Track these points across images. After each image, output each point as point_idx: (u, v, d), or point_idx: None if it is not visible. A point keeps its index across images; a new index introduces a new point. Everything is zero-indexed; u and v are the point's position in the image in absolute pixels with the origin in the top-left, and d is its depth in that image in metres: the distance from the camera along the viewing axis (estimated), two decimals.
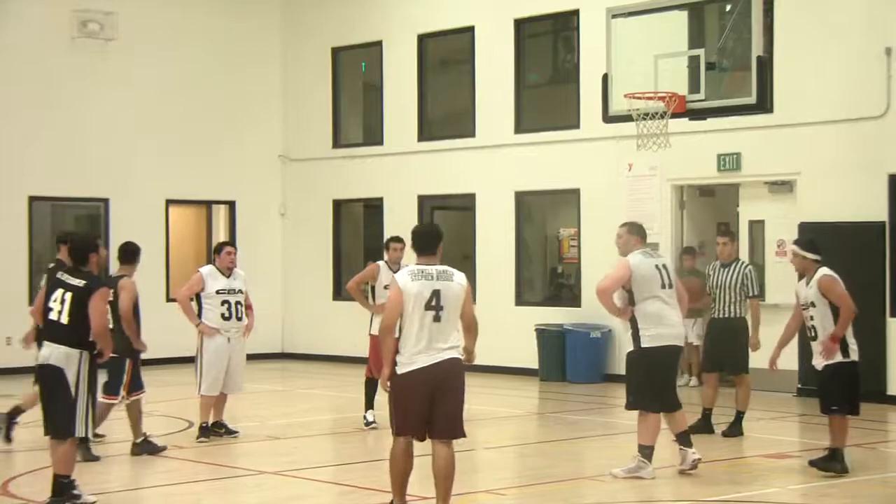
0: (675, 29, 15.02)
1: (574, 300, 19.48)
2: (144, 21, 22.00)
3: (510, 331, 19.25)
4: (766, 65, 14.41)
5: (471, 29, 20.87)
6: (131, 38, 21.78)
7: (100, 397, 11.32)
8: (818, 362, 11.31)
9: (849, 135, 16.47)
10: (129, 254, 12.42)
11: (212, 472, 11.57)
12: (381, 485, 10.86)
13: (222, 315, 13.11)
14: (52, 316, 9.78)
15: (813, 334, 11.33)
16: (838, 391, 11.22)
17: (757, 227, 17.76)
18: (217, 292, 13.15)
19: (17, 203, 20.78)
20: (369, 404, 14.14)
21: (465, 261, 21.11)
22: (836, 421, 11.28)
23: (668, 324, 11.01)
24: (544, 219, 21.06)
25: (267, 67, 23.53)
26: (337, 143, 23.04)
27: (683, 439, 11.25)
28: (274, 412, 14.03)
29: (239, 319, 13.20)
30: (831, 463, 11.19)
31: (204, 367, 13.11)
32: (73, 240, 10.48)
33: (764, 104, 14.49)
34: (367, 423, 14.03)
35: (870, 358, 16.00)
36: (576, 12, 19.40)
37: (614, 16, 15.35)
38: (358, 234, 23.23)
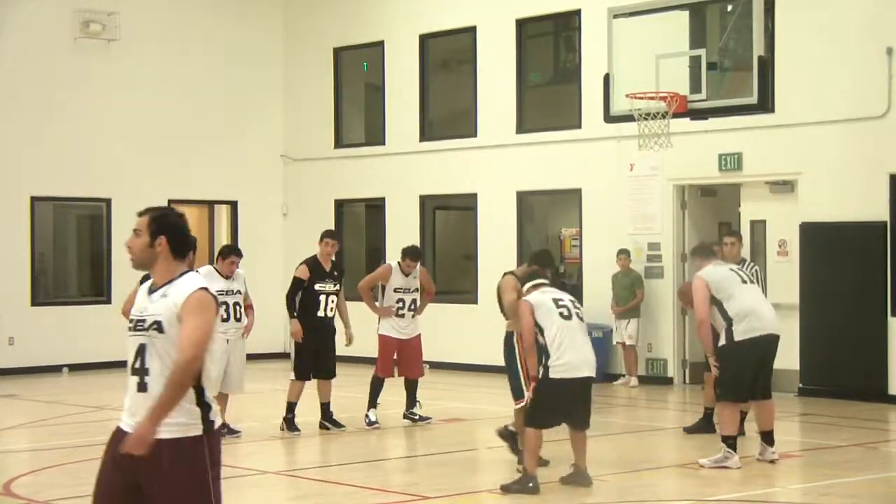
0: (676, 29, 15.03)
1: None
2: (146, 21, 22.05)
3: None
4: (767, 65, 14.46)
5: (472, 29, 20.90)
6: (133, 39, 21.82)
7: None
8: None
9: (850, 135, 16.49)
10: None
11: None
12: (384, 484, 10.91)
13: (220, 316, 13.14)
14: None
15: None
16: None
17: (758, 226, 17.77)
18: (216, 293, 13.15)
19: (19, 203, 20.82)
20: (372, 403, 14.17)
21: (467, 261, 21.18)
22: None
23: None
24: (546, 219, 21.08)
25: (269, 67, 23.57)
26: (339, 144, 23.08)
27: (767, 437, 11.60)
28: (276, 412, 14.04)
29: (238, 320, 13.23)
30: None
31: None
32: None
33: (765, 104, 14.54)
34: (370, 423, 14.05)
35: (871, 357, 16.13)
36: (577, 12, 19.43)
37: (616, 16, 15.38)
38: (360, 234, 23.27)
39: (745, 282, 11.65)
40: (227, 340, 13.11)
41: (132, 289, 10.57)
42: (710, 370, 12.93)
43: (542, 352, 10.29)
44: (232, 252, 13.56)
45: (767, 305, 11.81)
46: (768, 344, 11.55)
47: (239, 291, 13.27)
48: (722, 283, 11.53)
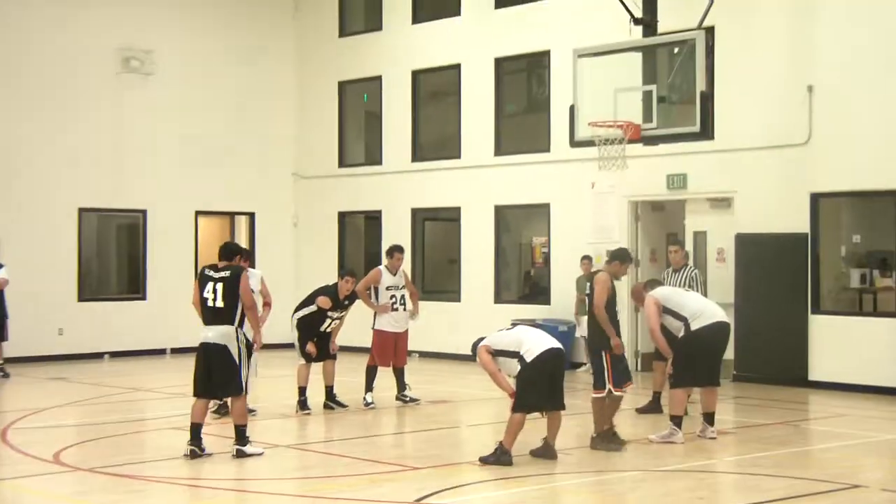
0: (631, 67, 15.07)
1: (545, 298, 19.54)
2: (178, 58, 22.03)
3: (491, 325, 19.16)
4: (708, 98, 14.52)
5: (457, 66, 20.93)
6: (167, 73, 21.82)
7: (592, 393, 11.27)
8: None
9: (778, 159, 16.55)
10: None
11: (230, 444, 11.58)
12: (379, 457, 10.92)
13: None
14: (209, 303, 10.52)
15: None
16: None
17: (700, 237, 17.82)
18: None
19: (68, 213, 20.80)
20: (369, 388, 14.21)
21: (452, 265, 21.19)
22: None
23: None
24: (519, 229, 21.11)
25: (282, 97, 23.56)
26: (342, 163, 23.08)
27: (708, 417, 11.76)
28: (285, 394, 14.05)
29: None
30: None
31: None
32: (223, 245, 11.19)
33: (706, 132, 14.60)
34: (367, 404, 14.08)
35: (795, 348, 16.21)
36: (547, 52, 19.47)
37: (580, 56, 15.43)
38: (360, 242, 23.25)
39: (687, 290, 12.36)
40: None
41: (193, 285, 11.02)
42: (659, 359, 13.04)
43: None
44: (244, 256, 13.45)
45: (712, 303, 12.09)
46: (721, 330, 11.74)
47: (253, 290, 13.15)
48: (670, 296, 11.88)
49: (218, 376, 10.57)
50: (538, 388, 10.28)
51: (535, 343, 10.34)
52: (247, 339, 10.89)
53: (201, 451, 10.65)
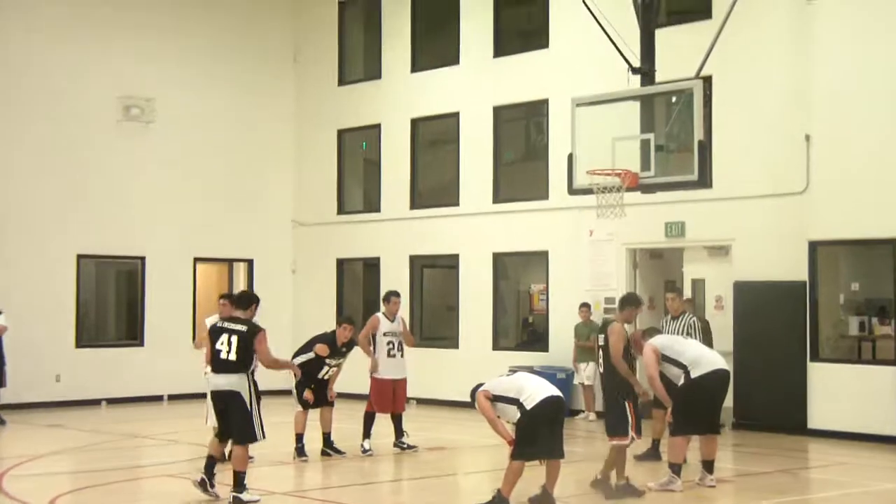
0: (629, 116, 15.10)
1: (543, 345, 19.50)
2: (179, 107, 22.14)
3: (489, 371, 19.11)
4: (705, 147, 14.54)
5: (456, 114, 21.03)
6: (167, 121, 21.93)
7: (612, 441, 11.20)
8: None
9: (776, 207, 16.60)
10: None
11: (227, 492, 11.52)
12: (375, 503, 10.85)
13: None
14: (223, 355, 10.64)
15: None
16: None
17: (699, 284, 17.83)
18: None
19: (66, 260, 20.80)
20: (366, 434, 14.15)
21: (450, 312, 21.17)
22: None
23: None
24: (517, 276, 21.11)
25: (282, 145, 23.66)
26: (341, 210, 23.12)
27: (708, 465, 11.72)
28: (283, 441, 13.98)
29: None
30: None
31: (208, 403, 13.17)
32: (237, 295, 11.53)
33: (704, 181, 14.61)
34: (364, 451, 14.02)
35: (794, 396, 16.16)
36: (545, 101, 19.58)
37: (578, 105, 15.51)
38: (358, 289, 23.24)
39: (686, 338, 12.34)
40: None
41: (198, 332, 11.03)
42: (659, 407, 12.97)
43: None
44: (222, 297, 13.54)
45: (711, 350, 12.12)
46: (721, 378, 11.73)
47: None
48: (670, 344, 11.89)
49: (234, 421, 10.68)
50: (538, 436, 10.22)
51: (536, 390, 10.30)
52: (256, 387, 10.83)
53: (211, 487, 10.74)
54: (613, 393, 11.23)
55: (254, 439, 10.69)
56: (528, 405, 10.19)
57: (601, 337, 11.32)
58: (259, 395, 10.87)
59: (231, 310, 12.73)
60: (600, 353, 11.34)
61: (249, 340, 10.62)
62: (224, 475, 11.07)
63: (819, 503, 11.18)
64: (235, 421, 10.65)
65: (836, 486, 12.09)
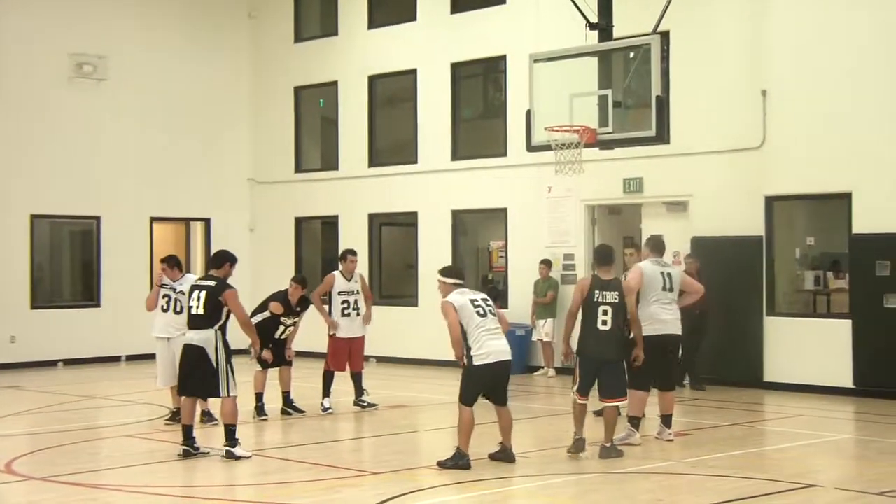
0: (586, 72, 15.07)
1: (503, 302, 19.52)
2: (132, 64, 21.87)
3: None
4: (663, 103, 14.58)
5: (414, 71, 20.92)
6: (120, 78, 21.66)
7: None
8: None
9: (732, 163, 16.69)
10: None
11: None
12: (337, 462, 10.88)
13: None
14: (193, 310, 10.91)
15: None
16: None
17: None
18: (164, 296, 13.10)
19: (20, 220, 20.57)
20: (326, 393, 14.15)
21: (409, 270, 21.17)
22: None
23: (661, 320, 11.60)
24: (476, 233, 21.13)
25: (238, 103, 23.45)
26: (298, 169, 22.99)
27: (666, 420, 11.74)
28: (243, 400, 13.91)
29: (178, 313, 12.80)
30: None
31: (157, 363, 13.17)
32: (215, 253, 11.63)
33: (662, 136, 14.65)
34: (325, 409, 14.03)
35: (750, 350, 16.34)
36: (503, 57, 19.51)
37: (536, 61, 15.47)
38: (316, 248, 23.18)
39: (664, 289, 11.78)
40: (168, 339, 12.93)
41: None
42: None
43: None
44: (162, 261, 13.33)
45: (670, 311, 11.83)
46: (673, 342, 11.80)
47: (182, 292, 12.93)
48: (649, 285, 11.69)
49: (196, 376, 10.89)
50: (480, 386, 10.31)
51: (488, 349, 10.22)
52: (226, 345, 10.89)
53: (195, 450, 10.95)
54: (627, 351, 11.08)
55: (216, 394, 10.87)
56: (476, 361, 10.20)
57: (615, 294, 10.78)
58: (230, 352, 10.96)
59: (172, 273, 12.85)
60: (611, 310, 10.73)
61: (216, 296, 10.82)
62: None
63: (775, 455, 11.32)
64: (200, 375, 10.83)
65: (791, 438, 12.25)
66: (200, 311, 10.85)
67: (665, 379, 11.82)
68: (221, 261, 11.31)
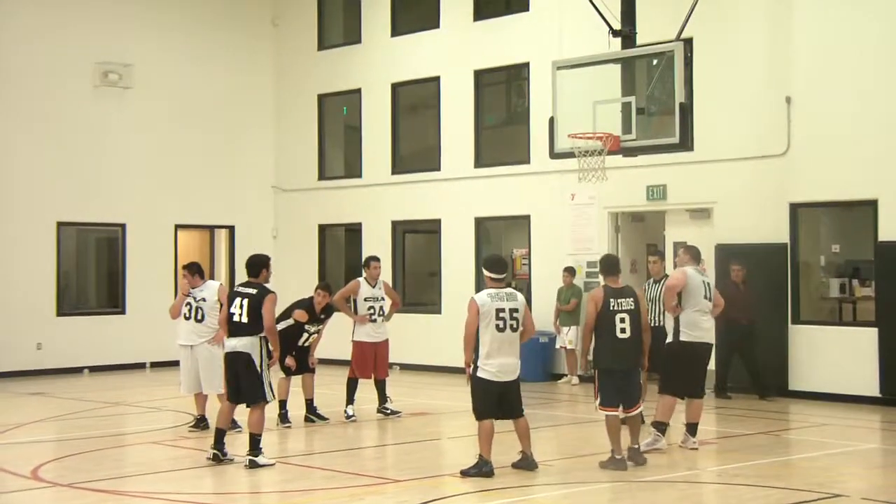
0: (610, 79, 15.07)
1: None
2: (157, 72, 21.98)
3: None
4: (687, 110, 14.55)
5: (437, 79, 20.94)
6: (145, 87, 21.77)
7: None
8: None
9: (757, 169, 16.61)
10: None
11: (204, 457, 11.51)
12: (360, 469, 10.88)
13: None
14: (235, 318, 11.03)
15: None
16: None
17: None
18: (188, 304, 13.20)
19: (47, 228, 20.68)
20: (349, 400, 14.15)
21: (432, 277, 21.16)
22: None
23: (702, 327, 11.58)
24: (500, 241, 21.10)
25: (263, 111, 23.53)
26: (322, 176, 23.04)
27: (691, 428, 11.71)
28: (266, 408, 13.96)
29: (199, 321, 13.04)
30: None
31: (181, 370, 13.30)
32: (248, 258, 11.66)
33: (686, 143, 14.62)
34: (348, 417, 14.03)
35: (775, 359, 16.23)
36: (526, 65, 19.50)
37: (559, 68, 15.47)
38: (340, 255, 23.21)
39: (705, 297, 11.77)
40: (192, 347, 13.07)
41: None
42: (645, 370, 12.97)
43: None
44: (184, 268, 13.54)
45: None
46: (705, 349, 11.72)
47: (204, 299, 13.14)
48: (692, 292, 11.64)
49: (245, 383, 11.00)
50: (489, 400, 10.22)
51: (494, 366, 10.15)
52: (269, 352, 11.16)
53: (223, 455, 11.06)
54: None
55: (264, 400, 11.01)
56: (479, 371, 10.17)
57: (630, 300, 10.76)
58: (270, 357, 11.20)
59: (193, 280, 12.94)
60: (628, 317, 10.70)
61: (259, 303, 11.04)
62: (197, 442, 11.06)
63: (801, 464, 11.23)
64: (246, 383, 10.96)
65: (817, 447, 12.17)
66: (244, 319, 11.00)
67: (697, 386, 11.76)
68: (257, 268, 11.40)
